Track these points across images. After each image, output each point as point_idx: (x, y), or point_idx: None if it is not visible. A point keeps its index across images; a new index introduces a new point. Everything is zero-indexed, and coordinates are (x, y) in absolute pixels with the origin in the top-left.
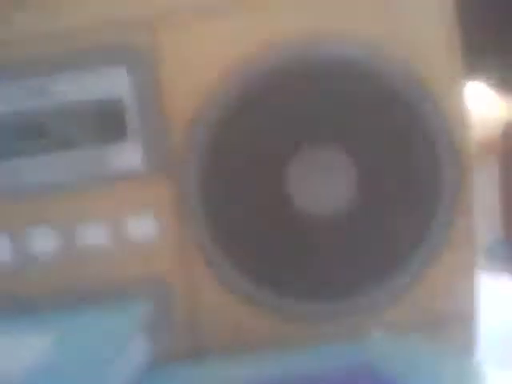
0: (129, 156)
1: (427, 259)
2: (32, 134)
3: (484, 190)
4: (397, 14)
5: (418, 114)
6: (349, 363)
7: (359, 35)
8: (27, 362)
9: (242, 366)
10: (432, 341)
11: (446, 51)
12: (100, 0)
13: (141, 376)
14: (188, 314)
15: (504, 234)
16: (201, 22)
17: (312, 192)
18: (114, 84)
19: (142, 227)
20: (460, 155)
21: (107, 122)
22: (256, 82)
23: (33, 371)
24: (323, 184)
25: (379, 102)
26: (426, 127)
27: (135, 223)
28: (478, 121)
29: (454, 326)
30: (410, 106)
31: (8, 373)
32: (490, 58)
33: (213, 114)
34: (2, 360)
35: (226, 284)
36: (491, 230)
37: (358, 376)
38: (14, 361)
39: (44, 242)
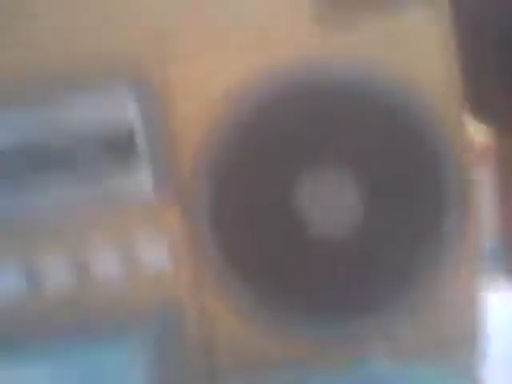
0: (140, 184)
1: (433, 279)
2: (44, 163)
3: (480, 195)
4: (399, 42)
5: (419, 129)
6: None
7: (360, 60)
8: None
9: None
10: (436, 362)
11: (444, 74)
12: (108, 30)
13: None
14: (202, 338)
15: (501, 239)
16: (205, 51)
17: (321, 211)
18: (123, 113)
19: (155, 254)
20: (462, 170)
21: (118, 151)
22: (259, 105)
23: None
24: (332, 203)
25: (380, 120)
26: (428, 142)
27: (148, 251)
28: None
29: (458, 346)
30: (411, 122)
31: None
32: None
33: (219, 139)
34: None
35: (239, 308)
36: (488, 236)
37: None
38: None
39: (57, 271)
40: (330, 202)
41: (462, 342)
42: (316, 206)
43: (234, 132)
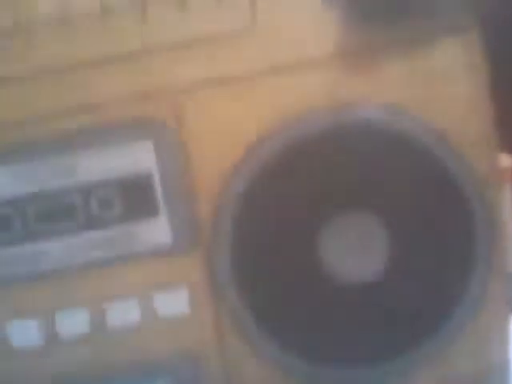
0: (158, 231)
1: (461, 323)
2: (60, 213)
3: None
4: (423, 79)
5: (447, 172)
6: None
7: (383, 99)
8: None
9: None
10: None
11: (474, 111)
12: (123, 75)
13: None
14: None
15: None
16: (225, 93)
17: (344, 257)
18: (141, 159)
19: (174, 302)
20: (493, 213)
21: (135, 198)
22: (282, 150)
23: None
24: (355, 248)
25: (407, 163)
26: (457, 185)
27: (167, 299)
28: None
29: (485, 376)
30: (439, 164)
31: None
32: None
33: (240, 184)
34: None
35: (261, 355)
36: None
37: None
38: None
39: (74, 320)
40: (356, 247)
41: (489, 372)
42: (342, 251)
43: (256, 177)
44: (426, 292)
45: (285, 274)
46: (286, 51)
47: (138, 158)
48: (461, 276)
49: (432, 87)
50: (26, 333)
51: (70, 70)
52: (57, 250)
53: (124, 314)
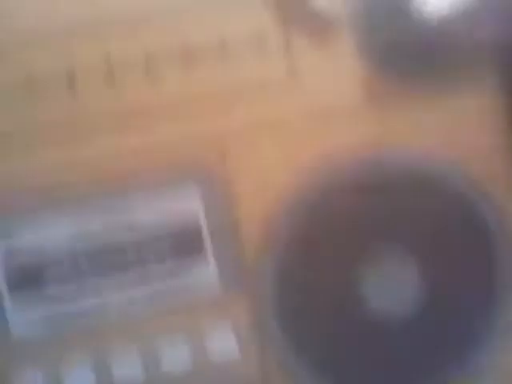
0: (206, 275)
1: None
2: (107, 254)
3: None
4: (451, 129)
5: (475, 212)
6: None
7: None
8: None
9: None
10: None
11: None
12: (169, 119)
13: None
14: None
15: None
16: (266, 137)
17: (384, 292)
18: (187, 202)
19: (223, 344)
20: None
21: (182, 240)
22: (322, 194)
23: None
24: (393, 285)
25: (439, 202)
26: (483, 223)
27: (215, 340)
28: None
29: None
30: (467, 205)
31: None
32: None
33: (283, 230)
34: None
35: None
36: None
37: None
38: None
39: (126, 364)
40: (391, 284)
41: None
42: (379, 288)
43: (297, 222)
44: (455, 324)
45: (327, 313)
46: (322, 97)
47: (184, 200)
48: (487, 308)
49: (458, 135)
50: (78, 377)
51: (115, 117)
52: (113, 296)
53: (173, 356)
